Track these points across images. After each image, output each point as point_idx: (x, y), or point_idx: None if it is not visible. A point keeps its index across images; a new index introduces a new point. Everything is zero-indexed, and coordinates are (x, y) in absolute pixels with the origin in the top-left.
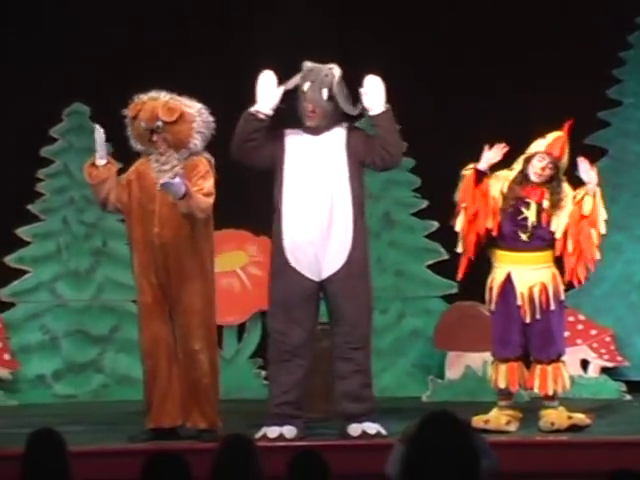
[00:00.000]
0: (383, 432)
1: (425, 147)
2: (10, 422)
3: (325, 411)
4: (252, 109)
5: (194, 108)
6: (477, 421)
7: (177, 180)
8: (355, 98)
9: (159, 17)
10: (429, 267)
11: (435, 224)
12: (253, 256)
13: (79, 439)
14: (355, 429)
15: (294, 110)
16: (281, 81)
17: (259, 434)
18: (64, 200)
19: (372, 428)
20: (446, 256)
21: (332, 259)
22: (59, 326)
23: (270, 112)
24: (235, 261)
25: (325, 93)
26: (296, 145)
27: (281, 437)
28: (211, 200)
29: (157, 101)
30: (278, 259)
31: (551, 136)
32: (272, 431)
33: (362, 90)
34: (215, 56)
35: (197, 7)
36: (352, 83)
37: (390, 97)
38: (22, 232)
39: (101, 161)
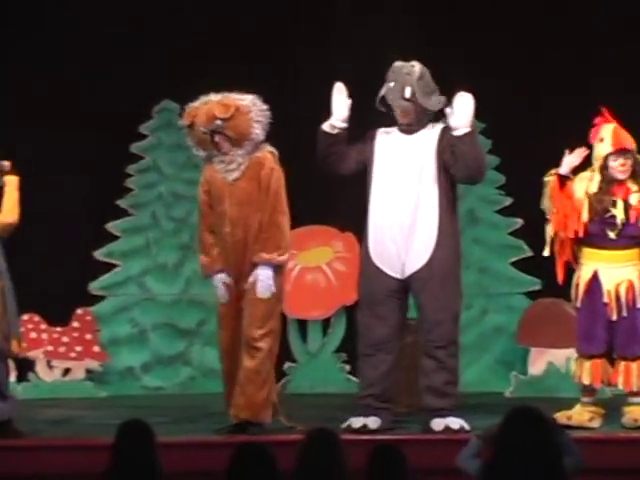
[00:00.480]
0: (466, 427)
1: (509, 145)
2: (100, 413)
3: (409, 405)
4: (324, 126)
5: (247, 100)
6: (560, 417)
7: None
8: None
9: (245, 14)
10: (512, 264)
11: (519, 221)
12: (338, 252)
13: (167, 430)
14: (438, 424)
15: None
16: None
17: (344, 424)
18: (153, 195)
19: (455, 423)
20: (530, 253)
21: (414, 258)
22: (148, 319)
23: (342, 124)
24: (321, 257)
25: (407, 92)
26: (387, 144)
27: (365, 427)
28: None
29: (209, 103)
30: (365, 257)
31: (606, 133)
32: (357, 421)
33: (448, 110)
34: (314, 55)
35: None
36: (441, 84)
37: (475, 96)
38: (112, 227)
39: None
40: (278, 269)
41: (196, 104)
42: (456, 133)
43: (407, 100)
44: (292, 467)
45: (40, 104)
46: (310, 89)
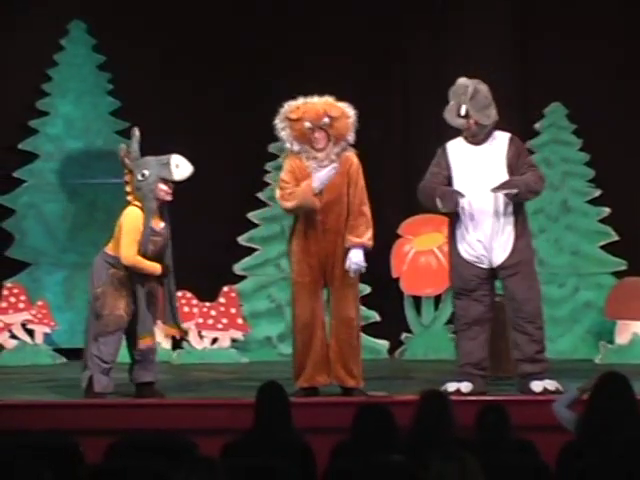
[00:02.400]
0: (561, 388)
1: (598, 142)
2: (243, 376)
3: (509, 371)
4: (438, 204)
5: (347, 106)
6: None
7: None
8: None
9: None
10: (601, 247)
11: (607, 210)
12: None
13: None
14: (537, 385)
15: None
16: None
17: (442, 388)
18: None
19: (552, 385)
20: (616, 238)
21: (499, 251)
22: (283, 296)
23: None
24: (433, 241)
25: (463, 110)
26: (459, 155)
27: (458, 391)
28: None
29: (316, 103)
30: (454, 252)
31: None
32: (451, 386)
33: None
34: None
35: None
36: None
37: (566, 95)
38: (252, 216)
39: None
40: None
41: (299, 102)
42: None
43: (462, 117)
44: (406, 424)
45: (197, 109)
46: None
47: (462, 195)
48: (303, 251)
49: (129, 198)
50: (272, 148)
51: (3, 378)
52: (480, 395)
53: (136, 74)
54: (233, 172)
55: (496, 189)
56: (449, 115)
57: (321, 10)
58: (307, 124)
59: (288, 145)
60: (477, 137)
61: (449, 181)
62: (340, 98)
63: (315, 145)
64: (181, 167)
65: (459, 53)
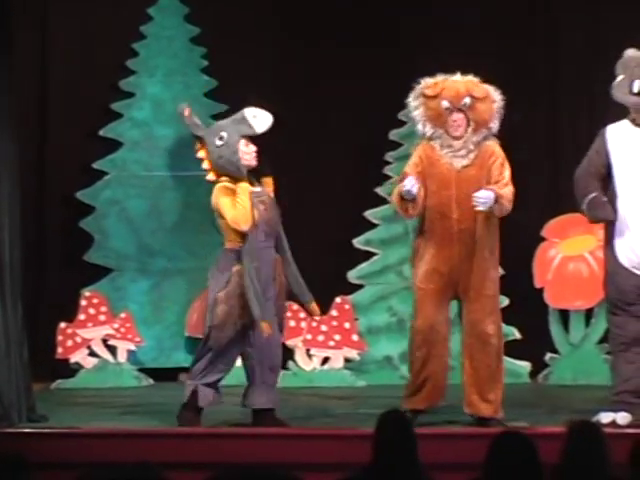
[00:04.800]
0: None
1: None
2: (359, 402)
3: None
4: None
5: (493, 89)
6: None
7: (488, 194)
8: None
9: None
10: None
11: None
12: (601, 240)
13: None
14: None
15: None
16: None
17: (593, 419)
18: None
19: None
20: None
21: None
22: (406, 308)
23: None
24: (583, 245)
25: (636, 86)
26: (622, 140)
27: (613, 423)
28: (512, 188)
29: (457, 81)
30: (611, 258)
31: None
32: (606, 417)
33: None
34: None
35: None
36: None
37: None
38: (370, 214)
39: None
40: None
41: (438, 79)
42: None
43: (636, 95)
44: (551, 460)
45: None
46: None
47: (613, 215)
48: (431, 254)
49: (210, 177)
50: (393, 135)
51: (82, 402)
52: (639, 427)
53: (235, 49)
54: (347, 164)
55: None
56: (619, 92)
57: None
58: (445, 103)
59: (420, 127)
60: None
61: (608, 170)
62: (484, 81)
63: (451, 131)
64: (259, 117)
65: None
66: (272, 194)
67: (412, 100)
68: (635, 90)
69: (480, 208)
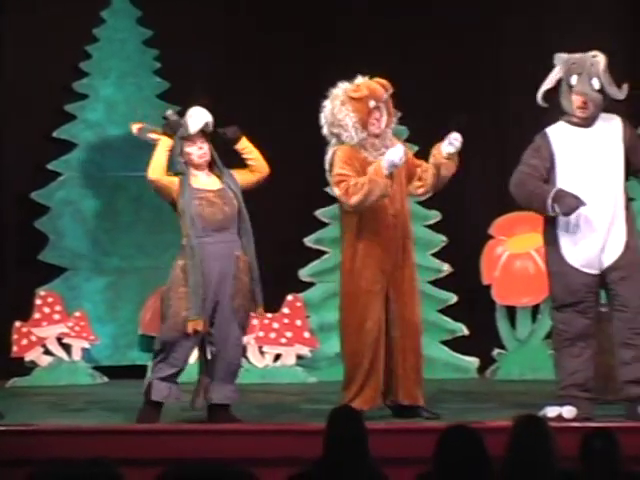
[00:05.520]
0: None
1: None
2: (311, 398)
3: (617, 392)
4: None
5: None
6: None
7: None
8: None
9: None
10: None
11: None
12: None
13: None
14: None
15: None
16: None
17: (540, 413)
18: None
19: None
20: None
21: (612, 249)
22: None
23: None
24: (530, 243)
25: (596, 83)
26: (565, 141)
27: (559, 417)
28: None
29: (372, 81)
30: (556, 257)
31: None
32: (552, 410)
33: None
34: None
35: None
36: None
37: None
38: (320, 214)
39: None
40: None
41: (358, 81)
42: None
43: (597, 92)
44: (498, 454)
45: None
46: None
47: (582, 202)
48: (376, 254)
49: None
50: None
51: (37, 400)
52: (585, 421)
53: (187, 51)
54: (297, 165)
55: None
56: (578, 88)
57: None
58: (372, 102)
59: (351, 134)
60: (589, 118)
61: (550, 174)
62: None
63: (373, 129)
64: (194, 116)
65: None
66: (235, 187)
67: (338, 108)
68: (596, 87)
69: (453, 149)
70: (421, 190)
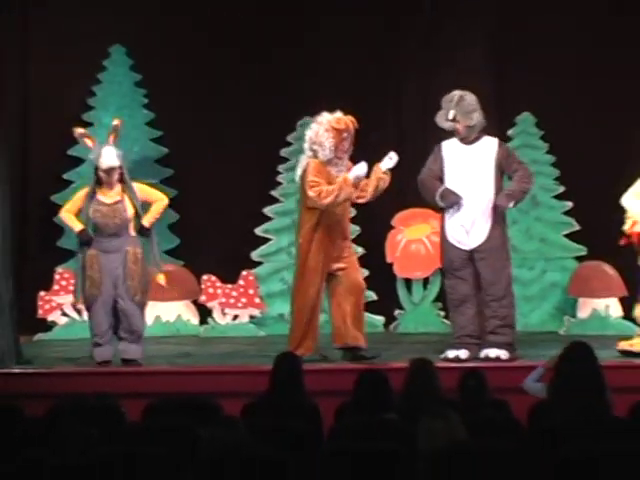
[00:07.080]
0: (503, 357)
1: (562, 145)
2: (260, 347)
3: None
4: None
5: None
6: (623, 345)
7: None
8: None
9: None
10: (565, 236)
11: (569, 204)
12: (434, 228)
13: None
14: (493, 352)
15: None
16: None
17: (442, 355)
18: (296, 187)
19: (505, 355)
20: (578, 228)
21: (477, 235)
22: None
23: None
24: (421, 231)
25: (451, 114)
26: (452, 153)
27: (456, 358)
28: None
29: (346, 117)
30: (443, 238)
31: None
32: (451, 353)
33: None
34: None
35: None
36: None
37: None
38: (267, 211)
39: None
40: None
41: (336, 115)
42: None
43: (451, 121)
44: (399, 388)
45: (219, 121)
46: None
47: (460, 198)
48: (324, 242)
49: None
50: (283, 152)
51: (56, 350)
52: (474, 360)
53: (168, 90)
54: (250, 174)
55: (501, 204)
56: (440, 119)
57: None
58: (346, 134)
59: (327, 153)
60: (468, 138)
61: (442, 175)
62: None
63: (340, 154)
64: (104, 157)
65: (447, 72)
66: (125, 203)
67: (322, 132)
68: (450, 117)
69: (391, 165)
70: (362, 200)
